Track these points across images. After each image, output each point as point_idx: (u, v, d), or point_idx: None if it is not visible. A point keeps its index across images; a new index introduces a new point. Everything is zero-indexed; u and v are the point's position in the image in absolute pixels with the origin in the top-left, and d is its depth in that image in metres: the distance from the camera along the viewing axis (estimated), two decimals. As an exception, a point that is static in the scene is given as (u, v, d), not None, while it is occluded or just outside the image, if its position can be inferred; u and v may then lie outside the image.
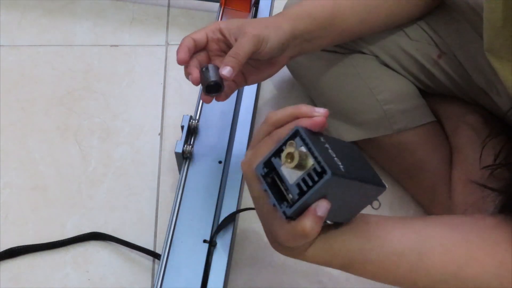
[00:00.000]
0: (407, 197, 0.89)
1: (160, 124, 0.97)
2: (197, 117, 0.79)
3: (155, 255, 0.80)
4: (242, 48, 0.59)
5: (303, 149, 0.44)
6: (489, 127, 0.79)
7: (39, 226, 0.84)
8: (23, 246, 0.81)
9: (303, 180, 0.44)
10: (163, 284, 0.65)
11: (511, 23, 0.56)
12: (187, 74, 0.63)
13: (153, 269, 0.81)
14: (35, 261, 0.81)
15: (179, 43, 0.62)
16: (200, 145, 0.77)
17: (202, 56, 0.63)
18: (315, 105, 0.94)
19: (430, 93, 0.85)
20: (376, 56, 0.83)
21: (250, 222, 0.84)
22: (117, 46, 1.08)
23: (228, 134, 0.79)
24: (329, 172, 0.42)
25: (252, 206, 0.51)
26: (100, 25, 1.10)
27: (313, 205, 0.44)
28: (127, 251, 0.82)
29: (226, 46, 0.63)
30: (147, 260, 0.81)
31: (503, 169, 0.59)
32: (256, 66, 0.66)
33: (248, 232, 0.84)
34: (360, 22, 0.73)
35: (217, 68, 0.61)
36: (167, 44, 1.08)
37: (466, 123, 0.82)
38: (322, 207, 0.44)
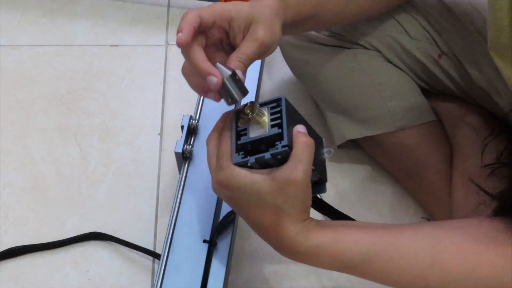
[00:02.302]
0: (407, 196, 0.89)
1: (160, 124, 0.97)
2: (197, 117, 0.78)
3: (155, 255, 0.80)
4: (248, 53, 0.54)
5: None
6: (489, 127, 0.79)
7: (39, 226, 0.84)
8: (23, 246, 0.81)
9: (271, 119, 0.53)
10: (163, 284, 0.65)
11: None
12: (207, 74, 0.53)
13: (153, 269, 0.81)
14: (35, 261, 0.81)
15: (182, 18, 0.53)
16: (200, 145, 0.76)
17: (201, 41, 0.55)
18: (317, 104, 0.94)
19: (431, 92, 0.85)
20: (380, 52, 0.82)
21: (250, 222, 0.84)
22: (117, 46, 1.07)
23: (228, 134, 0.79)
24: (282, 96, 0.53)
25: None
26: (100, 25, 1.10)
27: (294, 130, 0.52)
28: (127, 251, 0.82)
29: (227, 37, 0.57)
30: (147, 260, 0.81)
31: (504, 168, 0.59)
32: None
33: (248, 232, 0.84)
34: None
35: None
36: (167, 44, 1.07)
37: (466, 123, 0.82)
38: (299, 127, 0.52)
